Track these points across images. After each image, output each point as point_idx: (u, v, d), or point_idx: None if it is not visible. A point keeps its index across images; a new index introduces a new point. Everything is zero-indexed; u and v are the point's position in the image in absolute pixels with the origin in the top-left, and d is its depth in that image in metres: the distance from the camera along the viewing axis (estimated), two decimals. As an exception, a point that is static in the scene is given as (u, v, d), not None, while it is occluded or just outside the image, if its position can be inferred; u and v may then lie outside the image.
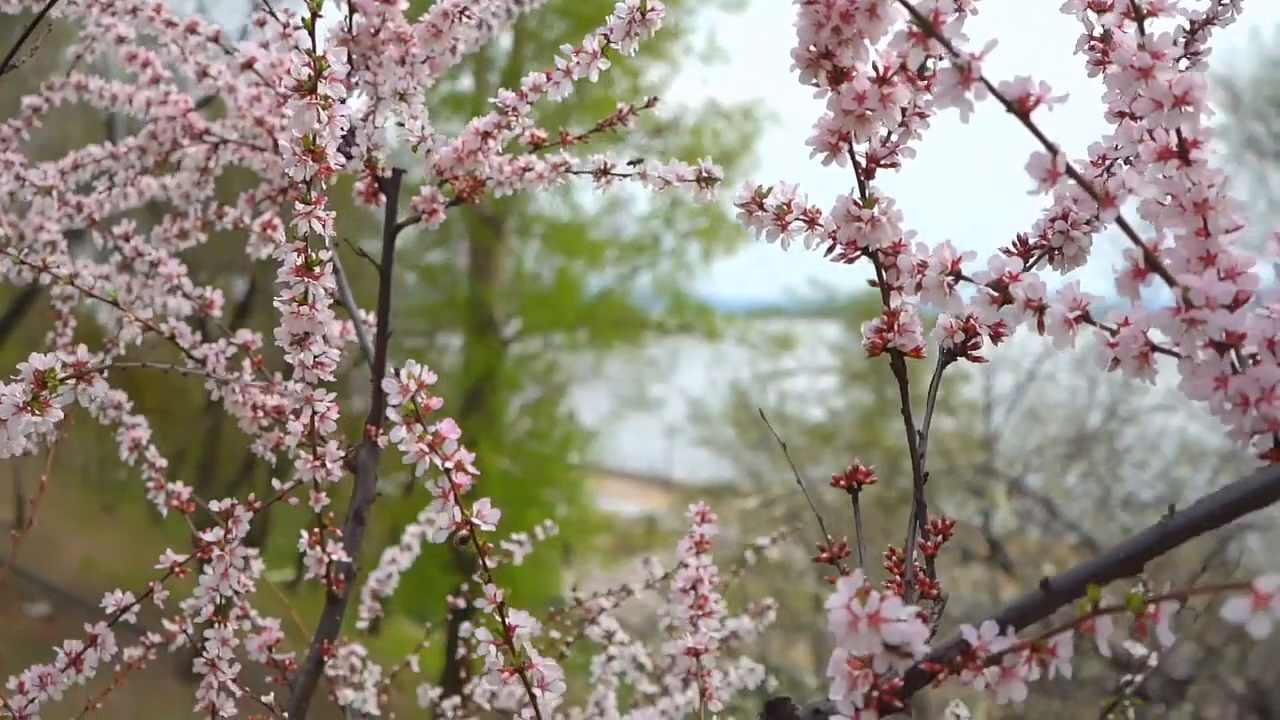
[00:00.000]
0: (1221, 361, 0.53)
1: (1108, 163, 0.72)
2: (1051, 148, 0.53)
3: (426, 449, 0.65)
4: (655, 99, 1.06)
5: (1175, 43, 0.74)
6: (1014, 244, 0.72)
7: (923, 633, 0.53)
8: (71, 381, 0.69)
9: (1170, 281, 0.53)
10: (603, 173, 1.01)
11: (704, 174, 0.89)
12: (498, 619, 0.68)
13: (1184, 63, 0.75)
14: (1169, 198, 0.57)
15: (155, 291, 1.19)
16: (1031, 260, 0.72)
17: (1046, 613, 0.54)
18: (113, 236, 1.18)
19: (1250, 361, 0.54)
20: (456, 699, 1.37)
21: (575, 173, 1.02)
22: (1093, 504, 6.75)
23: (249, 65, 1.08)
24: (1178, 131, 0.56)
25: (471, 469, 0.66)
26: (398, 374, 0.64)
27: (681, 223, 12.01)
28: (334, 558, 1.02)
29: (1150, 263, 0.54)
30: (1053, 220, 0.71)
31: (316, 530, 1.00)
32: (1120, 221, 0.54)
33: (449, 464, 0.65)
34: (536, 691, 0.68)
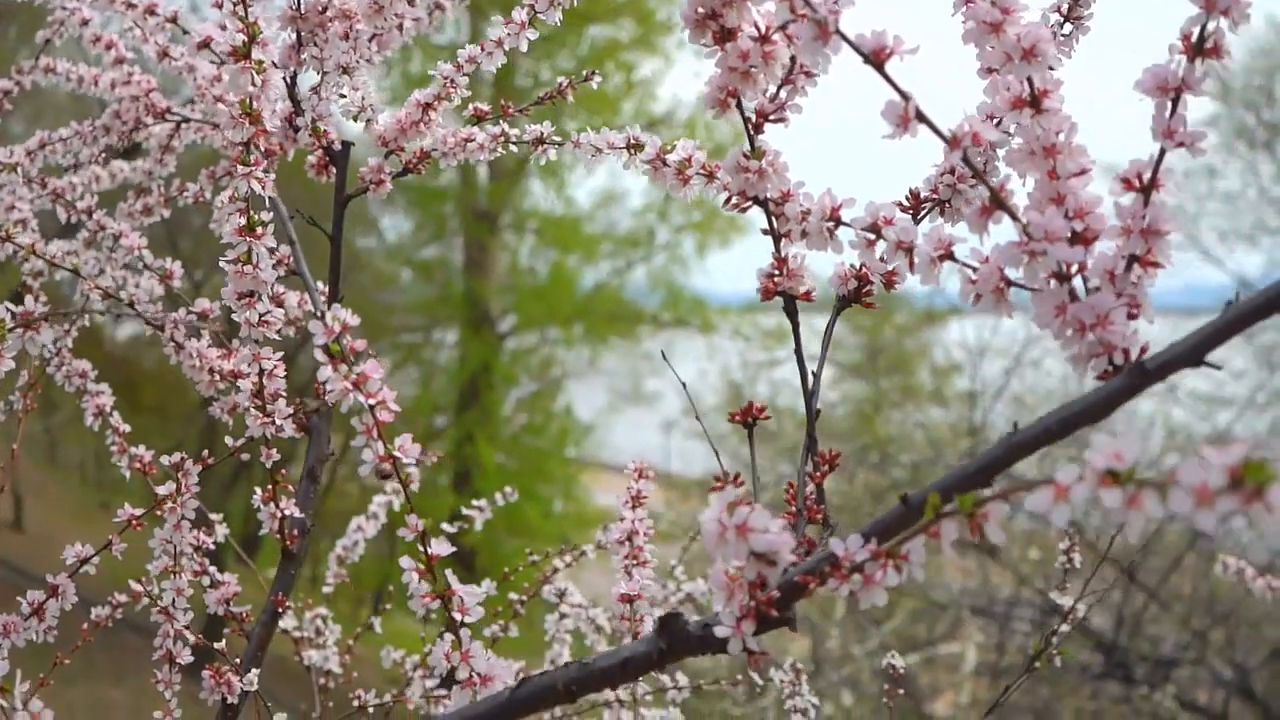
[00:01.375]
0: (1061, 291, 0.58)
1: (995, 120, 0.76)
2: (904, 95, 0.57)
3: (351, 387, 0.69)
4: (594, 73, 1.10)
5: (1058, 8, 0.79)
6: (906, 197, 0.76)
7: (789, 543, 0.58)
8: (19, 330, 0.74)
9: (1014, 218, 0.58)
10: (539, 142, 1.05)
11: (632, 142, 0.94)
12: (420, 548, 0.72)
13: (1068, 26, 0.79)
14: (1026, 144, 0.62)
15: (116, 265, 1.23)
16: (923, 212, 0.76)
17: (906, 525, 0.58)
18: (76, 211, 1.22)
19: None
20: (416, 657, 1.42)
21: (514, 143, 1.07)
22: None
23: (205, 45, 1.12)
24: (1029, 81, 0.60)
25: (394, 406, 0.70)
26: (323, 317, 0.69)
27: (676, 217, 12.06)
28: (288, 514, 1.06)
29: (996, 201, 0.58)
30: (942, 174, 0.76)
31: (269, 487, 1.05)
32: (968, 163, 0.58)
33: (373, 401, 0.70)
34: (457, 616, 0.72)
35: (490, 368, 11.19)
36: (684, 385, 1.07)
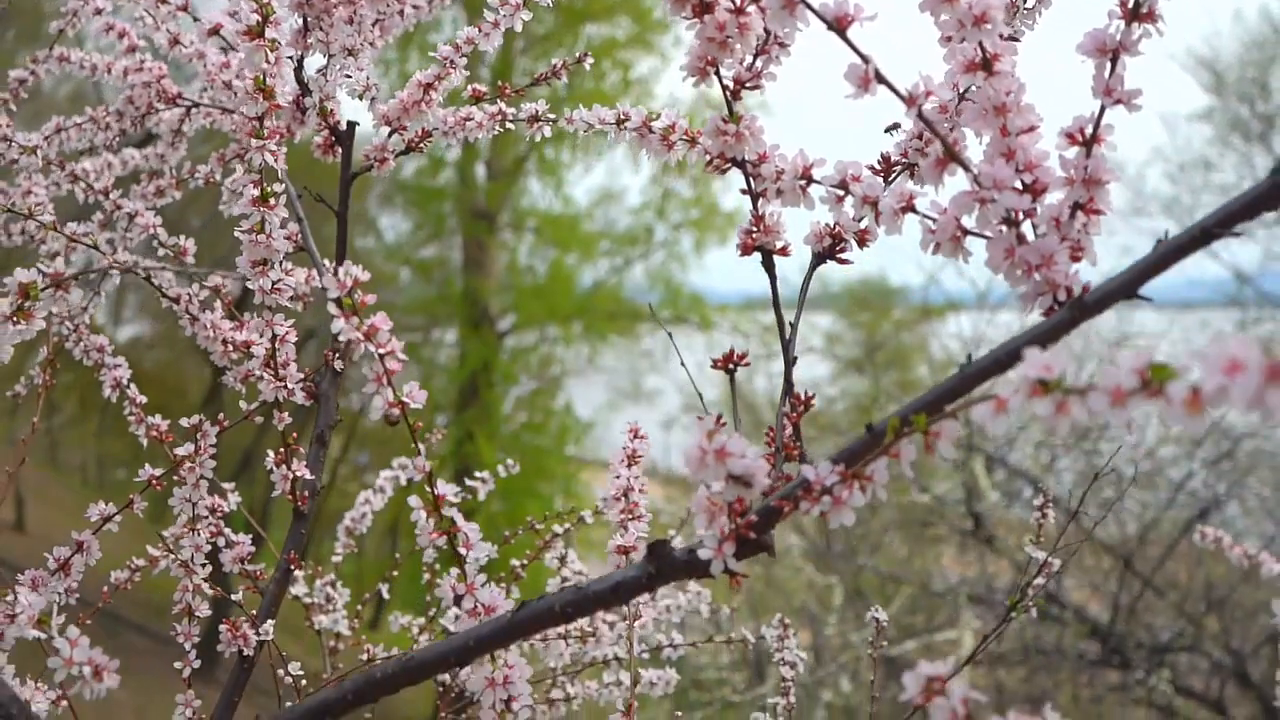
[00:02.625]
0: (1010, 235, 0.63)
1: (960, 89, 0.82)
2: (864, 58, 0.63)
3: (362, 337, 0.75)
4: (586, 54, 1.16)
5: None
6: (878, 160, 0.82)
7: (763, 466, 0.63)
8: (51, 290, 0.79)
9: (966, 168, 0.64)
10: (535, 119, 1.11)
11: (621, 117, 0.99)
12: (427, 489, 0.78)
13: (1030, 1, 0.85)
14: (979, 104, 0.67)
15: (131, 244, 1.29)
16: (893, 175, 0.82)
17: (869, 450, 0.64)
18: (94, 192, 1.28)
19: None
20: (422, 620, 1.48)
21: (511, 120, 1.13)
22: (1076, 478, 6.87)
23: (215, 31, 1.17)
24: (981, 46, 0.66)
25: (401, 355, 0.76)
26: (336, 272, 0.74)
27: (674, 214, 12.14)
28: (299, 475, 1.12)
29: (950, 154, 0.64)
30: (911, 139, 0.81)
31: (281, 449, 1.10)
32: (922, 118, 0.64)
33: (382, 351, 0.75)
34: (462, 550, 0.78)
35: (490, 366, 11.25)
36: (676, 349, 1.12)
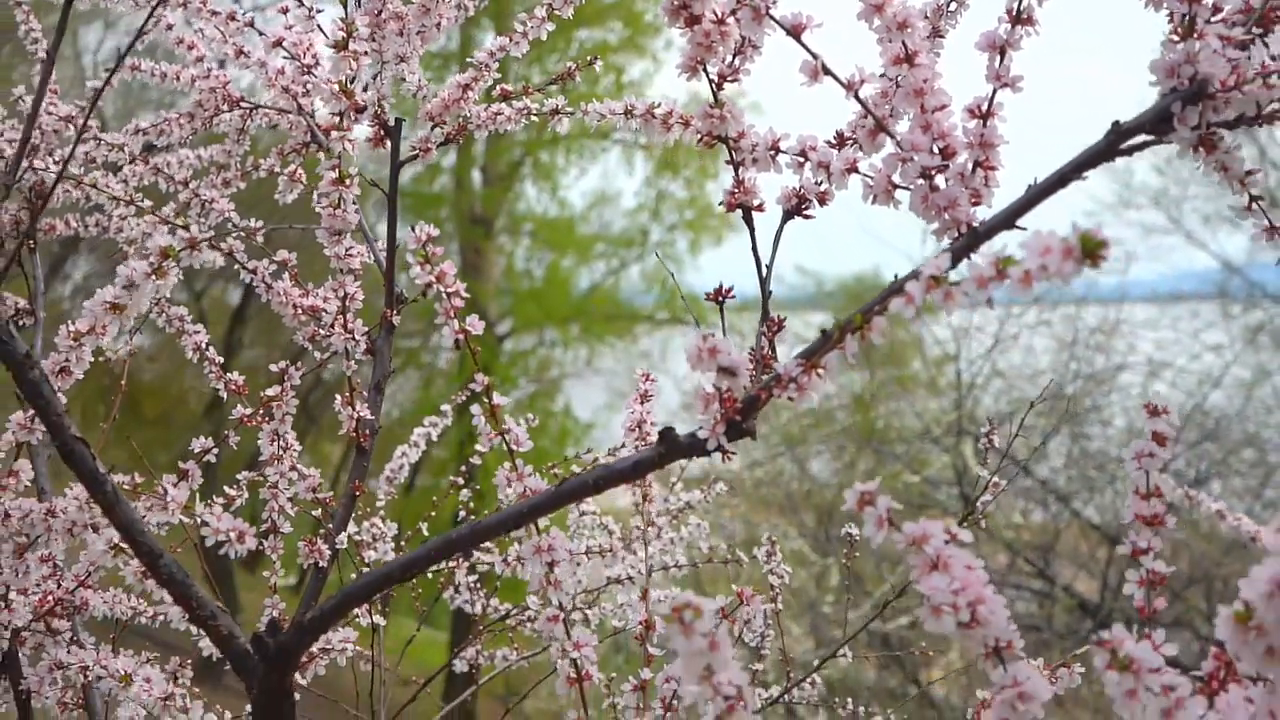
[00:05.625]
0: (925, 186, 0.85)
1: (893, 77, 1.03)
2: (815, 56, 0.84)
3: (434, 280, 0.96)
4: (595, 58, 1.37)
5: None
6: (834, 135, 1.03)
7: (745, 360, 0.85)
8: (187, 250, 1.00)
9: (891, 136, 0.85)
10: (555, 113, 1.32)
11: (629, 109, 1.21)
12: (486, 400, 1.00)
13: (953, 4, 1.06)
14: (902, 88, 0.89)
15: (205, 228, 1.50)
16: (846, 146, 1.03)
17: (823, 347, 0.85)
18: (173, 182, 1.49)
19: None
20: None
21: (535, 115, 1.34)
22: (1063, 460, 7.09)
23: (278, 43, 1.39)
24: (904, 44, 0.88)
25: (464, 294, 0.97)
26: (413, 228, 0.96)
27: (669, 215, 12.35)
28: (361, 416, 1.33)
29: (879, 126, 0.86)
30: (859, 118, 1.02)
31: (348, 394, 1.32)
32: (859, 100, 0.85)
33: (449, 290, 0.97)
34: (513, 447, 1.00)
35: (489, 370, 11.44)
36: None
